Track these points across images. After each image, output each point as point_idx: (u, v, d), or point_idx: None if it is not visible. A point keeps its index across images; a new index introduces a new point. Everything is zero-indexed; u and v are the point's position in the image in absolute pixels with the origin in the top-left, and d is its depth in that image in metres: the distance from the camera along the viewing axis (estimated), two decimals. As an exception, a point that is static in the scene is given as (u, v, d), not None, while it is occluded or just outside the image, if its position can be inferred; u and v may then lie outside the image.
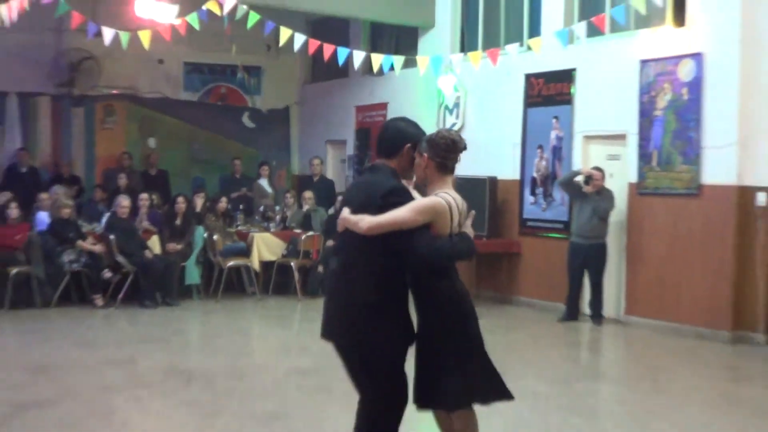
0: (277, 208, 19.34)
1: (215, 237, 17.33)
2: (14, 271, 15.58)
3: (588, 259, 14.97)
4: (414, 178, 6.61)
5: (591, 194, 14.84)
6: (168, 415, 9.31)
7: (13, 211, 15.97)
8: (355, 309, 6.45)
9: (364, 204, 6.26)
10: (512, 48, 15.74)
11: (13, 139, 21.05)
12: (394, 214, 6.12)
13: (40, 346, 12.91)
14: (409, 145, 6.45)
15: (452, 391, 6.66)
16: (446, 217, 6.23)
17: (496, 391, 6.83)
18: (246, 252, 17.45)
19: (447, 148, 6.40)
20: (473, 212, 6.59)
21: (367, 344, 6.53)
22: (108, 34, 14.60)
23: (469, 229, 6.41)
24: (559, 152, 16.32)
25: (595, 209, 14.74)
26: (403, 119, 6.70)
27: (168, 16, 15.11)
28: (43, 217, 17.00)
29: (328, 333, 6.76)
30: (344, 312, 6.58)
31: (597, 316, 15.06)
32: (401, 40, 20.60)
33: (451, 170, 6.52)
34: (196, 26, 14.75)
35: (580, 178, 15.07)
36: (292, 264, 17.50)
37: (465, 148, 6.58)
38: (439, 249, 6.21)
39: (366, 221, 6.14)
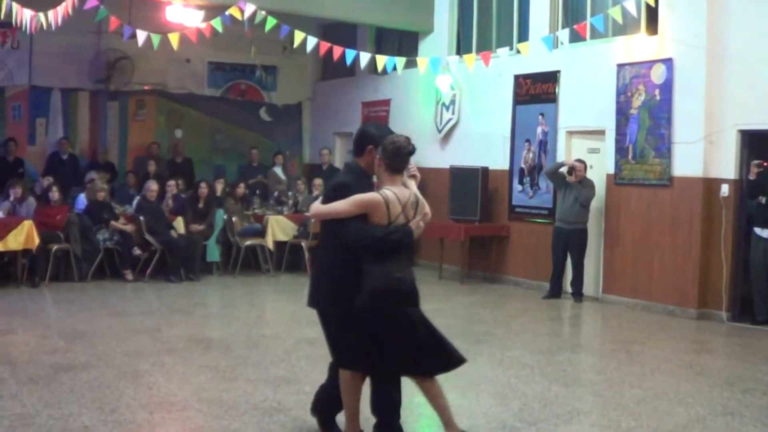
0: (290, 193, 19.35)
1: (234, 219, 17.36)
2: (55, 247, 15.59)
3: (570, 242, 14.97)
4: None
5: (574, 184, 14.83)
6: (189, 378, 9.28)
7: (55, 194, 15.97)
8: (324, 280, 6.98)
9: (325, 194, 6.98)
10: (503, 51, 15.78)
11: (56, 129, 21.08)
12: (334, 205, 6.72)
13: (77, 316, 12.90)
14: (371, 146, 6.86)
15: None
16: (381, 210, 6.60)
17: (407, 366, 6.99)
18: (261, 233, 17.44)
19: (393, 153, 6.71)
20: (428, 213, 6.92)
21: (330, 311, 6.98)
22: (141, 36, 14.57)
23: (415, 224, 6.75)
24: (545, 145, 16.28)
25: (577, 197, 14.73)
26: (375, 125, 7.19)
27: (195, 20, 15.09)
28: (82, 200, 17.02)
29: (309, 301, 7.20)
30: (318, 283, 7.13)
31: (578, 294, 15.06)
32: (403, 43, 20.53)
33: (399, 171, 6.79)
34: (220, 29, 14.71)
35: (564, 169, 15.09)
36: (302, 244, 17.48)
37: (411, 152, 6.80)
38: (366, 235, 6.60)
39: (313, 208, 6.97)
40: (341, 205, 6.66)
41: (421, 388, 7.05)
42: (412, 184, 6.98)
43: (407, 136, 6.86)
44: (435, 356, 6.97)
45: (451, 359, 7.07)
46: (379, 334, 6.71)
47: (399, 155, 6.72)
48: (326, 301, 7.01)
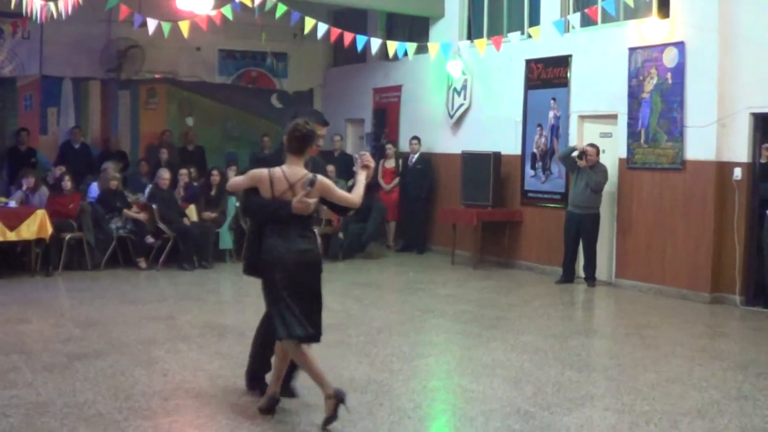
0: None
1: (247, 206, 17.36)
2: (68, 236, 15.62)
3: (582, 227, 14.95)
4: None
5: (585, 168, 14.81)
6: (204, 365, 9.32)
7: (67, 183, 16.00)
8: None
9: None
10: (514, 36, 15.73)
11: (68, 118, 21.13)
12: (237, 178, 7.92)
13: (90, 304, 12.95)
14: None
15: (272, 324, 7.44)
16: (265, 184, 7.34)
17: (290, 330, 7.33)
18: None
19: (289, 135, 7.36)
20: (309, 189, 7.30)
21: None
22: (152, 24, 14.56)
23: (297, 200, 7.26)
24: (557, 130, 16.27)
25: (588, 182, 14.72)
26: (312, 112, 8.39)
27: (205, 7, 15.05)
28: (95, 188, 17.08)
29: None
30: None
31: (590, 278, 15.05)
32: (414, 28, 20.52)
33: (295, 152, 7.39)
34: (230, 17, 14.70)
35: (575, 154, 15.06)
36: (315, 231, 17.44)
37: (305, 135, 7.38)
38: (248, 204, 7.67)
39: (230, 181, 8.11)
40: (240, 178, 7.77)
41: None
42: (362, 175, 7.71)
43: (307, 120, 7.47)
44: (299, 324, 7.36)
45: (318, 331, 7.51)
46: (280, 301, 7.34)
47: (293, 137, 7.34)
48: (244, 271, 7.96)
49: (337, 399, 7.23)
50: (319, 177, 7.39)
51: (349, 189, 18.37)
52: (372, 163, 7.84)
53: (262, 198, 7.39)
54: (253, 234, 7.76)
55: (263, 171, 7.39)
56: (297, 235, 7.38)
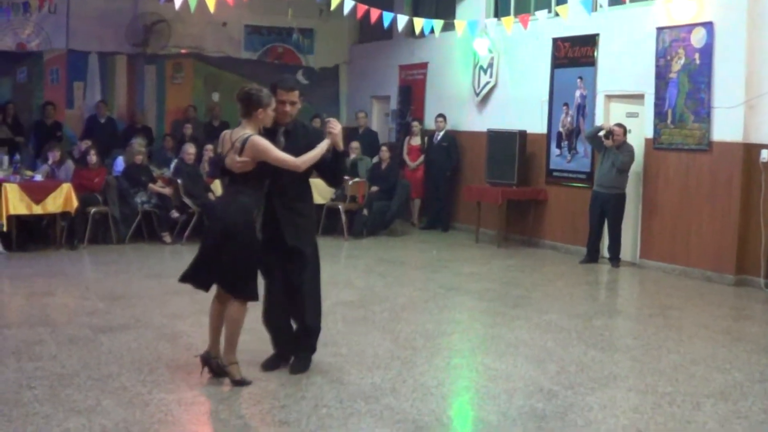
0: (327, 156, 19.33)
1: (271, 182, 17.38)
2: (93, 210, 15.70)
3: (607, 207, 14.90)
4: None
5: (612, 148, 14.75)
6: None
7: (93, 157, 16.05)
8: None
9: None
10: (541, 14, 15.72)
11: (94, 93, 21.25)
12: None
13: (115, 278, 13.02)
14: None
15: None
16: (220, 143, 7.99)
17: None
18: (299, 196, 17.44)
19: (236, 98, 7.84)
20: (237, 145, 7.62)
21: None
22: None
23: (228, 156, 7.69)
24: (583, 109, 16.20)
25: (614, 162, 14.66)
26: (289, 76, 8.76)
27: (231, -18, 15.06)
28: (120, 162, 17.15)
29: None
30: None
31: (615, 259, 15.01)
32: (441, 5, 20.44)
33: (243, 114, 7.81)
34: (257, -8, 14.70)
35: (602, 133, 14.99)
36: (339, 207, 17.52)
37: (242, 98, 7.80)
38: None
39: None
40: None
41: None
42: (324, 143, 7.88)
43: (254, 85, 7.91)
44: (219, 276, 7.82)
45: (233, 287, 7.81)
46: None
47: (237, 99, 7.84)
48: None
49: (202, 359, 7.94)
50: (253, 138, 7.57)
51: (374, 166, 18.40)
52: (336, 129, 7.95)
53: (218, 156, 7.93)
54: None
55: (223, 132, 8.02)
56: (233, 192, 7.80)
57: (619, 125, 14.85)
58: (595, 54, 15.95)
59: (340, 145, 8.03)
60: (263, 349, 8.41)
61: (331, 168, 8.21)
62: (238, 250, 7.61)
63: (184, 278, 7.98)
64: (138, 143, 17.38)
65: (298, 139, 7.91)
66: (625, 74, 15.37)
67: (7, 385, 7.61)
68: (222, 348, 7.84)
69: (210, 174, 17.06)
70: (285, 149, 7.79)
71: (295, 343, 8.33)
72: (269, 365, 8.28)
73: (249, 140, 7.51)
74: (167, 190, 16.47)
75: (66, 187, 15.05)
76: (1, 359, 8.41)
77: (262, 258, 7.85)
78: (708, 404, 7.61)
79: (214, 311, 7.94)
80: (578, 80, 16.26)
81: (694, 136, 14.03)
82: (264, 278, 8.23)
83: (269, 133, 7.87)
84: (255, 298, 7.81)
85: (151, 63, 21.88)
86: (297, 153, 7.74)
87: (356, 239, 17.41)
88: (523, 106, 17.55)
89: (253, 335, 8.63)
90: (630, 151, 14.72)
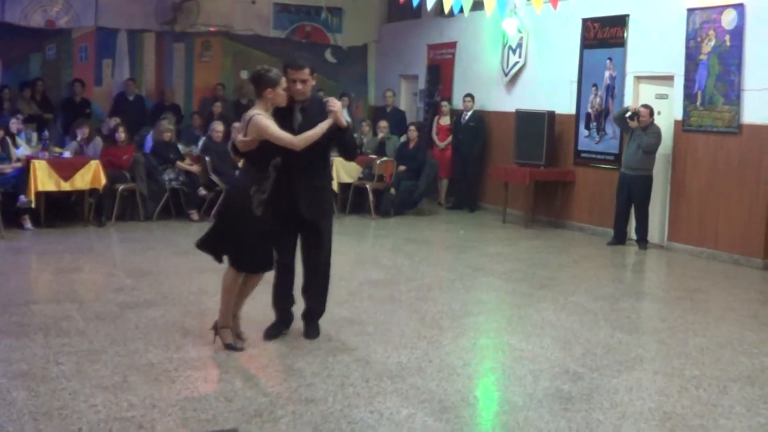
0: (355, 135, 19.33)
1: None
2: (121, 187, 15.75)
3: (634, 189, 14.83)
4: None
5: (638, 129, 14.68)
6: (254, 317, 9.35)
7: (121, 135, 16.08)
8: None
9: None
10: (572, -6, 15.59)
11: (122, 70, 21.33)
12: None
13: (143, 254, 13.07)
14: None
15: None
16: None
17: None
18: (326, 175, 17.44)
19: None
20: (243, 124, 7.96)
21: None
22: (207, -24, 14.59)
23: (234, 134, 8.28)
24: (612, 90, 16.13)
25: (640, 144, 14.59)
26: (299, 55, 9.48)
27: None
28: (150, 139, 17.22)
29: None
30: None
31: (642, 241, 14.96)
32: (470, -15, 20.39)
33: (256, 95, 8.00)
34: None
35: (628, 114, 14.92)
36: (367, 186, 17.52)
37: (253, 79, 8.01)
38: None
39: None
40: None
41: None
42: (325, 122, 7.97)
43: (264, 65, 8.16)
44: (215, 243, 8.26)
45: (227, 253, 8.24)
46: None
47: (250, 81, 8.10)
48: None
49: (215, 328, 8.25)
50: (255, 116, 7.79)
51: (402, 145, 18.40)
52: (335, 106, 8.06)
53: None
54: None
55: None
56: (244, 169, 8.27)
57: (646, 106, 14.75)
58: (625, 35, 15.87)
59: (342, 122, 8.14)
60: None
61: (342, 144, 8.54)
62: (232, 223, 7.99)
63: (199, 244, 8.41)
64: (167, 121, 17.43)
65: (314, 115, 8.04)
66: (654, 55, 15.29)
67: (35, 360, 7.67)
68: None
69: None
70: (302, 125, 8.04)
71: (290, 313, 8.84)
72: (272, 333, 8.62)
73: (252, 119, 7.74)
74: (195, 168, 16.52)
75: (94, 164, 15.10)
76: (28, 335, 8.48)
77: (271, 233, 8.12)
78: (735, 388, 7.59)
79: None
80: (608, 61, 16.19)
81: (724, 118, 13.95)
82: (276, 253, 8.40)
83: (287, 111, 8.08)
84: (246, 270, 8.22)
85: (179, 41, 21.93)
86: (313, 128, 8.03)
87: (383, 218, 17.42)
88: (551, 86, 17.48)
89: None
90: (657, 132, 14.64)
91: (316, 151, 8.03)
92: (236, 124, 17.15)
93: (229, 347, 8.04)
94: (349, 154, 8.92)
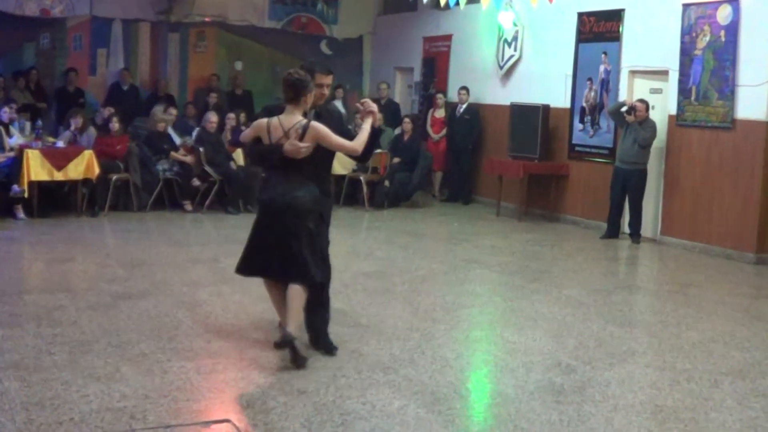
0: (350, 127, 19.30)
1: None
2: (115, 177, 15.71)
3: (629, 183, 14.84)
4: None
5: (634, 124, 14.70)
6: (247, 308, 9.40)
7: (115, 125, 16.05)
8: None
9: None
10: (567, -12, 15.58)
11: (117, 60, 21.28)
12: (247, 129, 8.26)
13: (136, 245, 13.07)
14: None
15: None
16: (263, 132, 7.66)
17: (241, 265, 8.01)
18: (320, 167, 17.37)
19: (282, 84, 7.71)
20: (297, 132, 7.53)
21: None
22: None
23: (288, 143, 7.48)
24: (607, 84, 16.14)
25: (636, 138, 14.61)
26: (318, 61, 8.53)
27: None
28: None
29: None
30: None
31: (635, 235, 14.97)
32: (466, -23, 20.39)
33: (290, 100, 7.64)
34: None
35: (624, 109, 14.93)
36: (361, 178, 17.52)
37: (293, 83, 7.62)
38: (248, 151, 8.44)
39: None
40: (247, 129, 8.23)
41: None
42: (367, 123, 7.86)
43: (299, 69, 7.79)
44: (280, 266, 7.67)
45: (295, 275, 7.65)
46: (249, 236, 7.92)
47: (286, 86, 7.65)
48: None
49: (282, 341, 7.52)
50: (313, 123, 7.58)
51: (396, 137, 18.43)
52: (375, 108, 7.97)
53: (261, 144, 7.72)
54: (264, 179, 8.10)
55: (263, 120, 7.72)
56: (297, 181, 7.60)
57: (642, 101, 14.77)
58: (620, 29, 15.86)
59: (377, 123, 8.08)
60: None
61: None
62: (307, 236, 7.65)
63: (243, 270, 7.97)
64: (161, 110, 17.43)
65: (327, 119, 7.94)
66: (649, 50, 15.29)
67: (27, 350, 7.67)
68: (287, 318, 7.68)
69: (232, 143, 17.08)
70: None
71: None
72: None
73: (310, 126, 7.53)
74: (189, 159, 16.50)
75: (88, 154, 15.08)
76: (21, 325, 8.48)
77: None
78: (726, 382, 7.61)
79: (275, 291, 7.89)
80: (603, 55, 16.20)
81: (718, 113, 13.97)
82: None
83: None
84: (317, 283, 7.78)
85: (174, 31, 21.88)
86: None
87: (377, 210, 17.43)
88: (546, 80, 17.48)
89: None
90: (652, 127, 14.67)
91: (325, 158, 7.96)
92: (231, 115, 17.24)
93: (301, 361, 7.56)
94: (368, 156, 8.48)
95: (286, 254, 7.58)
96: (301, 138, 7.48)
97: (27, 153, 14.57)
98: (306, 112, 7.73)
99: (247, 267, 7.90)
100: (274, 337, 7.82)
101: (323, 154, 7.73)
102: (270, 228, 7.64)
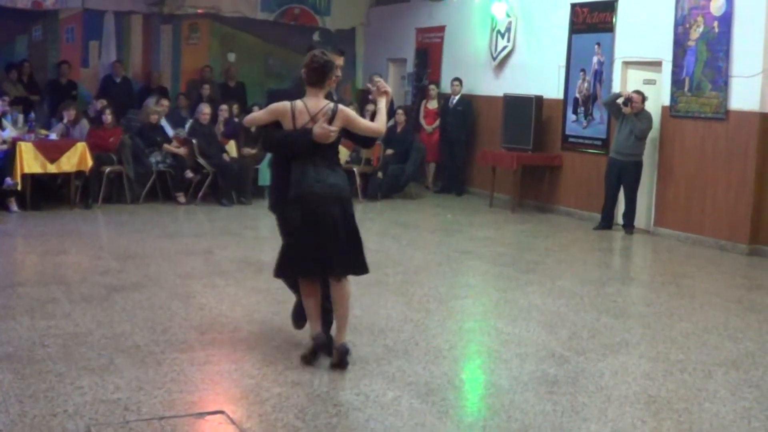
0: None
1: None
2: (108, 170, 15.73)
3: (624, 174, 14.84)
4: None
5: (630, 115, 14.70)
6: (240, 300, 9.41)
7: (108, 117, 16.05)
8: (269, 187, 8.31)
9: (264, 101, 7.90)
10: (560, -21, 15.57)
11: (109, 52, 21.25)
12: (256, 113, 7.77)
13: (129, 237, 13.06)
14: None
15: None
16: (287, 116, 7.21)
17: (289, 268, 7.52)
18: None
19: (307, 66, 7.24)
20: (327, 115, 7.22)
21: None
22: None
23: (317, 126, 7.14)
24: (600, 75, 16.13)
25: (632, 129, 14.61)
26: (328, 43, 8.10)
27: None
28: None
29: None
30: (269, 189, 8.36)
31: (629, 226, 14.98)
32: (459, -31, 20.39)
33: (314, 83, 7.26)
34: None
35: (620, 100, 14.92)
36: (354, 169, 17.48)
37: (322, 66, 7.22)
38: (269, 137, 7.42)
39: (247, 117, 7.90)
40: (260, 113, 7.58)
41: (332, 291, 7.41)
42: (381, 102, 7.56)
43: (323, 50, 7.29)
44: (338, 259, 7.30)
45: (354, 265, 7.43)
46: (291, 236, 7.36)
47: (312, 69, 7.20)
48: (270, 207, 7.85)
49: (314, 347, 7.36)
50: (341, 106, 7.34)
51: (389, 129, 18.40)
52: (389, 88, 7.73)
53: (284, 130, 7.28)
54: (279, 169, 7.61)
55: (285, 104, 7.27)
56: (325, 168, 7.28)
57: (638, 92, 14.76)
58: (614, 20, 15.87)
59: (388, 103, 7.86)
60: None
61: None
62: (353, 223, 7.40)
63: (295, 272, 7.51)
64: (154, 102, 17.41)
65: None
66: (643, 41, 15.29)
67: (21, 342, 7.68)
68: (338, 332, 7.41)
69: (225, 135, 17.08)
70: None
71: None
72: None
73: (340, 109, 7.28)
74: (182, 151, 16.49)
75: (81, 147, 15.07)
76: (15, 317, 8.48)
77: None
78: (719, 373, 7.63)
79: (316, 291, 7.44)
80: (596, 46, 16.19)
81: (711, 104, 13.98)
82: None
83: None
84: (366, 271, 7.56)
85: (167, 23, 21.86)
86: None
87: (371, 202, 17.43)
88: (539, 71, 17.48)
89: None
90: (648, 118, 14.66)
91: (338, 144, 7.58)
92: (224, 107, 17.22)
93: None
94: (369, 143, 8.33)
95: (340, 247, 7.24)
96: (330, 122, 7.21)
97: (20, 146, 14.55)
98: (331, 94, 7.52)
99: (291, 268, 7.46)
100: (269, 328, 7.77)
101: (338, 140, 7.45)
102: (314, 223, 7.18)
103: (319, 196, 7.16)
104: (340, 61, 7.69)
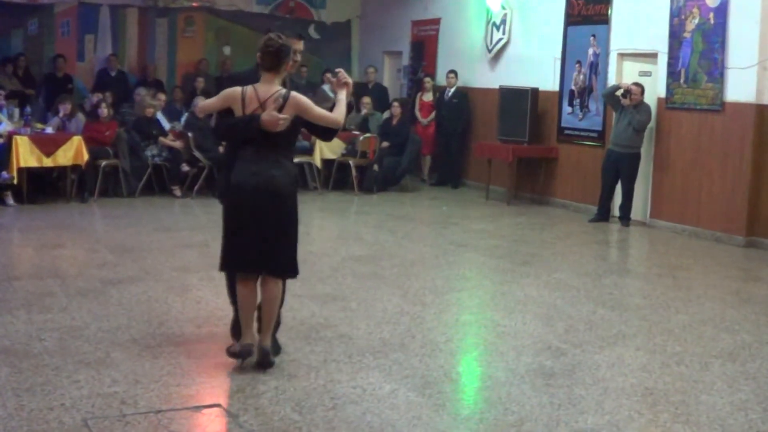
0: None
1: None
2: (104, 163, 15.69)
3: (622, 166, 14.82)
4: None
5: (629, 107, 14.68)
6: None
7: (104, 110, 16.03)
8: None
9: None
10: (556, -30, 15.54)
11: (104, 46, 21.23)
12: (206, 100, 7.87)
13: (125, 231, 13.04)
14: None
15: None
16: (237, 103, 6.93)
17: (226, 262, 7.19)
18: (309, 150, 17.36)
19: (261, 50, 7.00)
20: (277, 102, 6.88)
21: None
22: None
23: (266, 114, 6.80)
24: (596, 67, 16.13)
25: (631, 121, 14.59)
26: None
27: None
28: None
29: None
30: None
31: (625, 218, 14.98)
32: (455, -40, 20.36)
33: (268, 68, 7.00)
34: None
35: (619, 92, 14.91)
36: (350, 162, 17.50)
37: (276, 50, 6.95)
38: (218, 124, 7.35)
39: (199, 105, 7.81)
40: (211, 100, 7.44)
41: (261, 288, 7.13)
42: (342, 93, 7.21)
43: (279, 34, 7.05)
44: (265, 257, 6.98)
45: (282, 267, 7.10)
46: (227, 228, 7.09)
47: (266, 53, 6.96)
48: (218, 196, 7.77)
49: (239, 353, 7.05)
50: (294, 93, 6.98)
51: (385, 121, 18.39)
52: (350, 80, 7.38)
53: (233, 117, 7.00)
54: (227, 158, 7.37)
55: (236, 89, 6.99)
56: (271, 160, 6.92)
57: (637, 84, 14.74)
58: (609, 12, 15.85)
59: (351, 95, 7.59)
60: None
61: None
62: (289, 221, 7.04)
63: (229, 266, 7.18)
64: (148, 94, 17.38)
65: (293, 89, 7.58)
66: (638, 33, 15.28)
67: (17, 336, 7.66)
68: (261, 332, 7.15)
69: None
70: None
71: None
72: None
73: (291, 96, 6.91)
74: (178, 144, 16.47)
75: (76, 140, 15.05)
76: (11, 311, 8.47)
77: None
78: (716, 365, 7.63)
79: (251, 296, 7.12)
80: (591, 38, 16.18)
81: (707, 96, 13.97)
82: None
83: None
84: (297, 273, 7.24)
85: (162, 16, 21.83)
86: None
87: (366, 195, 17.41)
88: (535, 63, 17.45)
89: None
90: (647, 110, 14.65)
91: (294, 136, 7.30)
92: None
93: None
94: (332, 133, 7.64)
95: (269, 245, 6.93)
96: (280, 109, 6.85)
97: (16, 139, 14.52)
98: (285, 81, 7.20)
99: (231, 262, 7.12)
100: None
101: (294, 131, 7.10)
102: (246, 215, 6.91)
103: (252, 187, 6.86)
104: (298, 45, 7.44)
